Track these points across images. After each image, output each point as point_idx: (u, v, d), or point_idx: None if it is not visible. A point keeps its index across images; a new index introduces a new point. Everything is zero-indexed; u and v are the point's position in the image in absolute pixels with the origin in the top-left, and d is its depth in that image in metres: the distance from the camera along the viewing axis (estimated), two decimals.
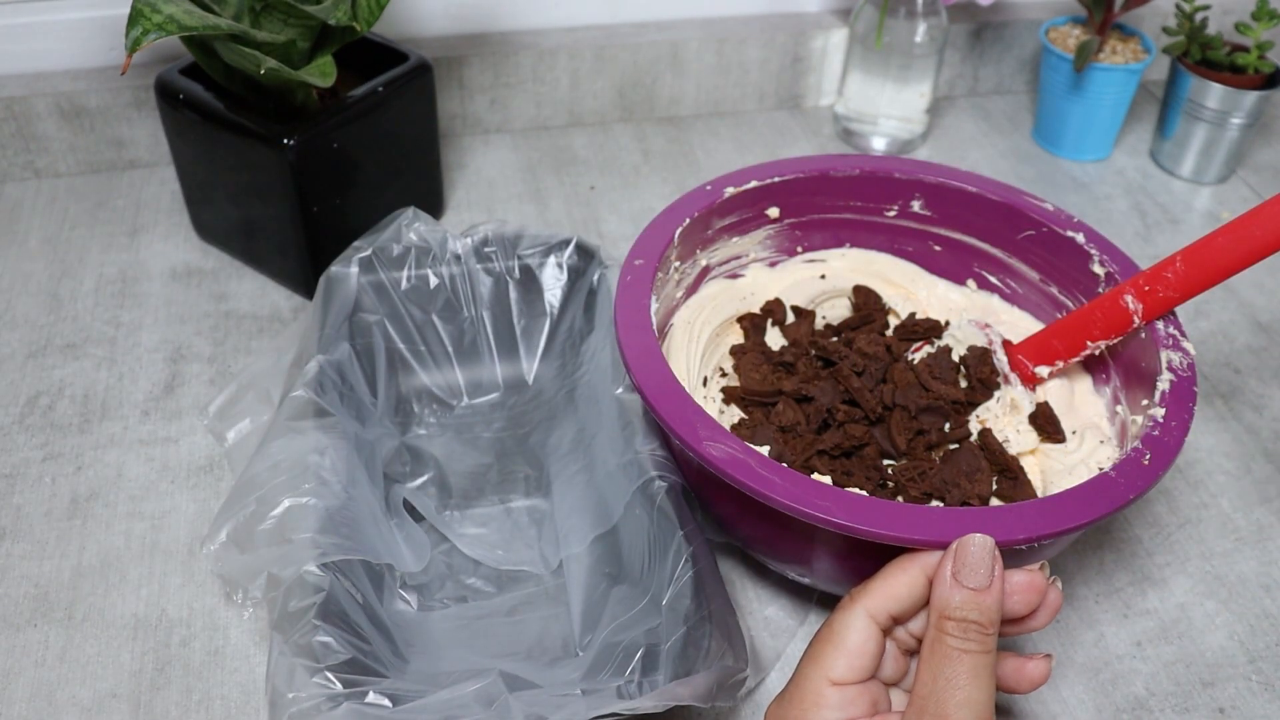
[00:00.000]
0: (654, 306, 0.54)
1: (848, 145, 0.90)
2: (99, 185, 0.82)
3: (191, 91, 0.68)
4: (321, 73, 0.65)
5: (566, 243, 0.65)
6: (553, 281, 0.65)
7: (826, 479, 0.52)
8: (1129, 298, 0.53)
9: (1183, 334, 0.52)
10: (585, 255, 0.64)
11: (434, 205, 0.79)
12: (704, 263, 0.61)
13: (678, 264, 0.59)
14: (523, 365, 0.66)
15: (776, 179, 0.61)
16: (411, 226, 0.63)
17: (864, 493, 0.49)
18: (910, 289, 0.64)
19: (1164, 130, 0.88)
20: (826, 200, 0.63)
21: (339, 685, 0.42)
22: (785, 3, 0.92)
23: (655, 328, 0.53)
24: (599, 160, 0.87)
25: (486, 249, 0.64)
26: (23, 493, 0.60)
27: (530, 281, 0.65)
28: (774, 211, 0.62)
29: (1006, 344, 0.58)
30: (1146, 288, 0.52)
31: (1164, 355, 0.51)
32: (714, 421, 0.47)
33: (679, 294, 0.60)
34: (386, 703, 0.43)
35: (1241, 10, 0.95)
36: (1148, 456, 0.46)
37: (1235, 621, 0.56)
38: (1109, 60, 0.85)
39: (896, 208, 0.63)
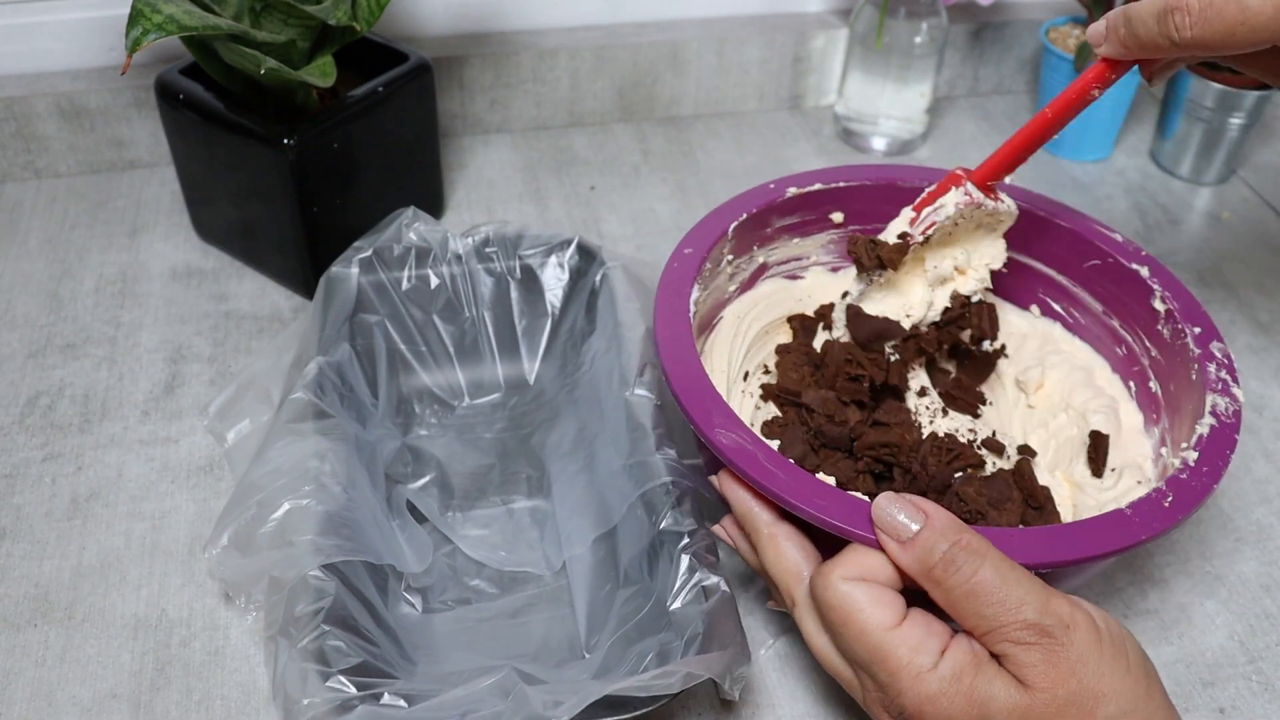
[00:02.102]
0: (696, 295, 0.54)
1: (848, 145, 0.90)
2: (99, 185, 0.82)
3: (191, 91, 0.68)
4: (321, 73, 0.65)
5: (568, 243, 0.65)
6: (554, 281, 0.65)
7: (831, 480, 0.52)
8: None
9: (1234, 380, 0.51)
10: (586, 255, 0.64)
11: (434, 205, 0.79)
12: (761, 260, 0.61)
13: (730, 257, 0.59)
14: (524, 365, 0.66)
15: (842, 184, 0.60)
16: (411, 227, 0.63)
17: (866, 498, 0.49)
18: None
19: (1164, 130, 0.88)
20: (893, 210, 0.61)
21: (353, 689, 0.42)
22: (785, 3, 0.92)
23: (695, 317, 0.53)
24: (599, 160, 0.87)
25: (487, 249, 0.64)
26: (23, 493, 0.60)
27: (531, 281, 0.65)
28: (838, 216, 0.62)
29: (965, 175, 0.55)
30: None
31: (1209, 399, 0.50)
32: (731, 412, 0.47)
33: (732, 288, 0.60)
34: (402, 703, 0.43)
35: None
36: (1169, 499, 0.45)
37: (1235, 621, 0.56)
38: None
39: None
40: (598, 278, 0.63)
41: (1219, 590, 0.58)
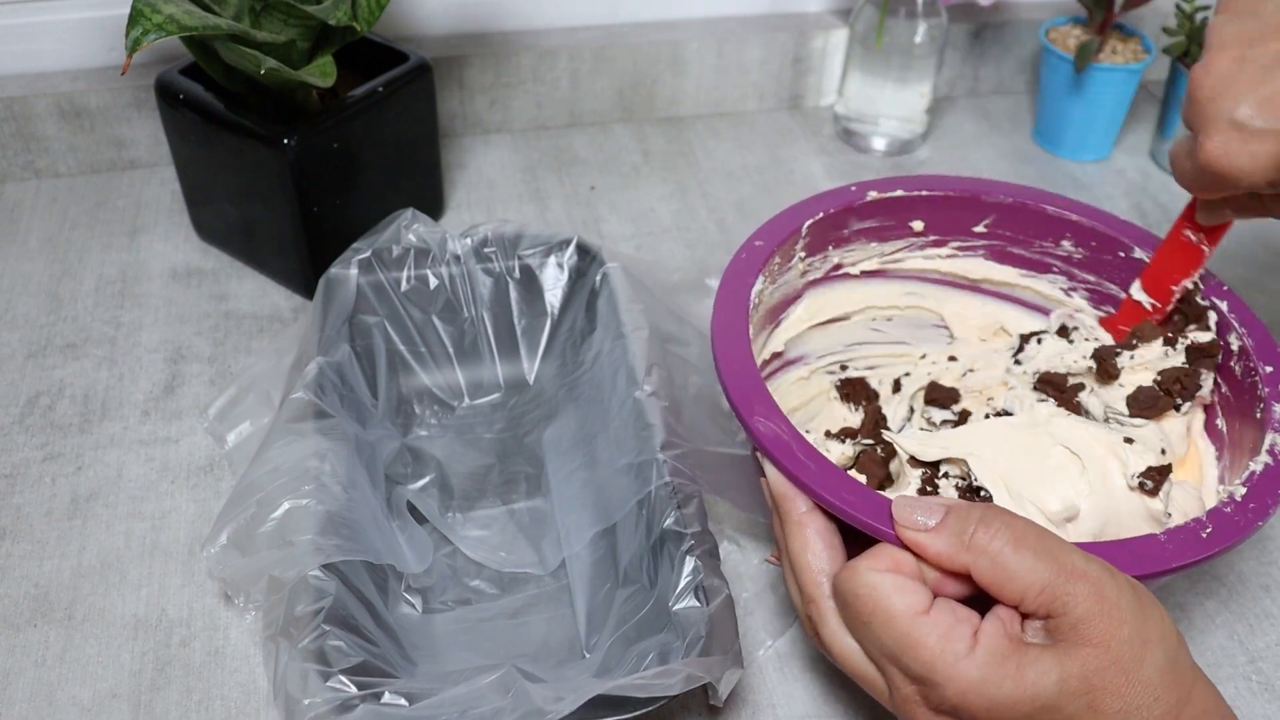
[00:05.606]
0: (760, 287, 0.54)
1: (848, 145, 0.90)
2: (99, 185, 0.82)
3: (191, 91, 0.68)
4: (321, 73, 0.65)
5: (567, 243, 0.65)
6: (553, 281, 0.65)
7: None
8: (1188, 232, 0.52)
9: None
10: (586, 255, 0.64)
11: (434, 205, 0.79)
12: (835, 260, 0.61)
13: (803, 254, 0.59)
14: (524, 365, 0.66)
15: (924, 192, 0.60)
16: (410, 228, 0.63)
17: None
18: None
19: (1164, 130, 0.88)
20: (974, 224, 0.61)
21: (354, 688, 0.42)
22: (785, 3, 0.92)
23: (759, 309, 0.54)
24: (599, 160, 0.87)
25: (486, 249, 0.64)
26: (23, 493, 0.60)
27: (531, 281, 0.65)
28: (918, 225, 0.61)
29: (1102, 320, 0.57)
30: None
31: (1269, 438, 0.48)
32: (773, 403, 0.47)
33: (802, 284, 0.60)
34: (403, 701, 0.43)
35: None
36: (1208, 530, 0.44)
37: (1235, 621, 0.56)
38: (1109, 60, 0.85)
39: (1045, 244, 0.61)
40: (598, 277, 0.63)
41: (1219, 590, 0.58)
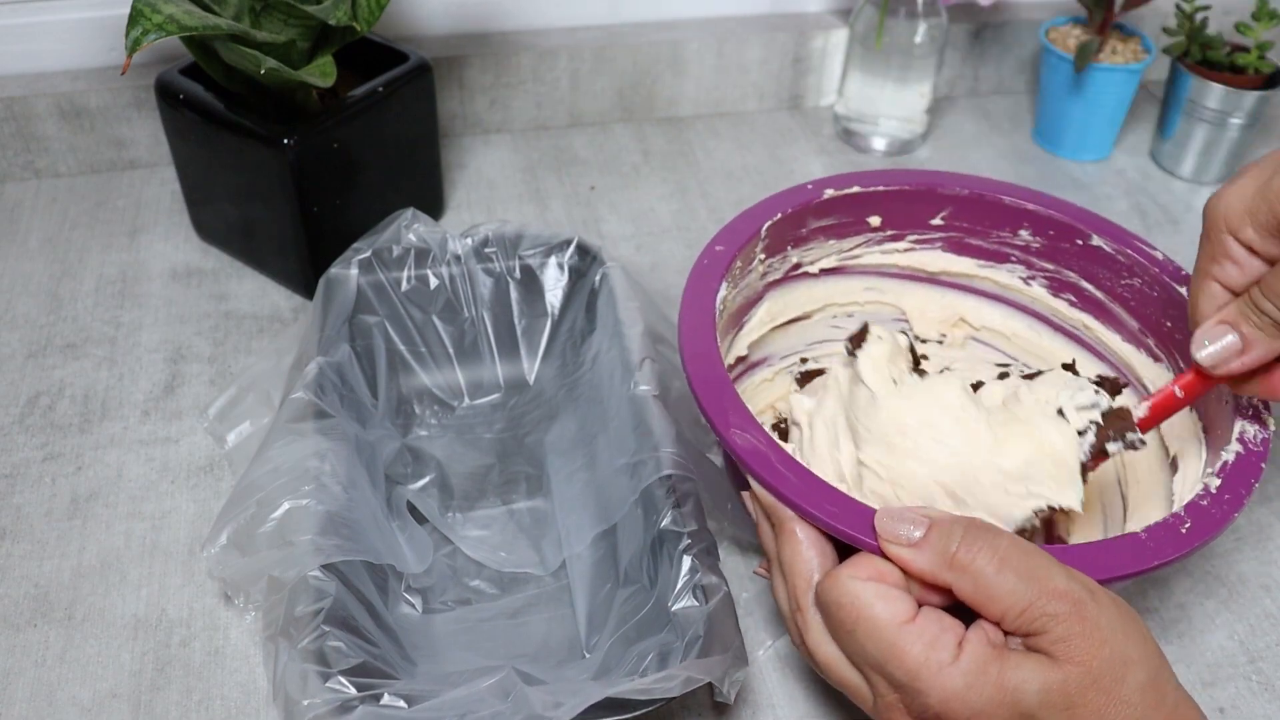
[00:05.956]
0: (724, 294, 0.54)
1: (848, 145, 0.90)
2: (99, 185, 0.82)
3: (191, 91, 0.68)
4: (321, 73, 0.65)
5: (567, 243, 0.65)
6: (554, 282, 0.65)
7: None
8: (1175, 386, 0.50)
9: (1267, 406, 0.49)
10: (586, 255, 0.64)
11: (434, 205, 0.79)
12: (794, 260, 0.61)
13: (763, 256, 0.58)
14: (524, 365, 0.66)
15: (881, 188, 0.60)
16: (410, 227, 0.63)
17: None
18: (1008, 333, 0.63)
19: (1164, 130, 0.88)
20: (930, 217, 0.61)
21: (353, 689, 0.42)
22: (785, 3, 0.92)
23: (724, 314, 0.53)
24: (599, 160, 0.87)
25: (487, 249, 0.64)
26: (23, 493, 0.60)
27: (531, 281, 0.65)
28: (875, 220, 0.61)
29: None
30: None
31: (1238, 425, 0.48)
32: (748, 413, 0.47)
33: (762, 286, 0.60)
34: (402, 703, 0.43)
35: (1241, 10, 0.95)
36: (1187, 525, 0.44)
37: (1235, 621, 0.56)
38: (1109, 60, 0.85)
39: (1002, 234, 0.61)
40: (597, 278, 0.63)
41: (1219, 590, 0.58)
